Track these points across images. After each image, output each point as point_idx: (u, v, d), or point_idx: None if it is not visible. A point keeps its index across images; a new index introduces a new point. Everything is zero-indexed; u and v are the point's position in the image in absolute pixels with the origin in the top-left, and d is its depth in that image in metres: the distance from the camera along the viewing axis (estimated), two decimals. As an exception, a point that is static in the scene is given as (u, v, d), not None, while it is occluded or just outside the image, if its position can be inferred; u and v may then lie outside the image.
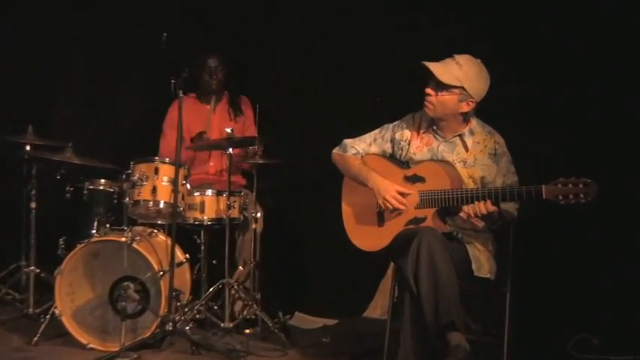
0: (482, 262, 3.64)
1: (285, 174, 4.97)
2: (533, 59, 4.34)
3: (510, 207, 3.62)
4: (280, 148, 4.73)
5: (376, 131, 3.90)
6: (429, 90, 3.61)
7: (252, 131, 4.90)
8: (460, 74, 3.54)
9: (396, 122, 3.88)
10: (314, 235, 5.04)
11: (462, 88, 3.56)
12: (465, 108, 3.62)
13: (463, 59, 3.58)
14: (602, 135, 4.14)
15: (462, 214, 3.57)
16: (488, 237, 3.73)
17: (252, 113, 4.90)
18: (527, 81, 4.33)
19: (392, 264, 3.92)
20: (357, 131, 3.94)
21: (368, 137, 3.90)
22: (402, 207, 3.62)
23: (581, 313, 4.12)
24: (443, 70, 3.56)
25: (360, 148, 3.88)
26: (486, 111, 3.73)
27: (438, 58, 3.65)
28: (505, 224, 3.62)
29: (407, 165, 3.78)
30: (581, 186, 3.24)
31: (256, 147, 4.63)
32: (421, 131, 3.80)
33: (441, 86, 3.57)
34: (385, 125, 3.90)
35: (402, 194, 3.64)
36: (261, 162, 4.60)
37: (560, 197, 3.25)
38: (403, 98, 4.13)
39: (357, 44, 4.85)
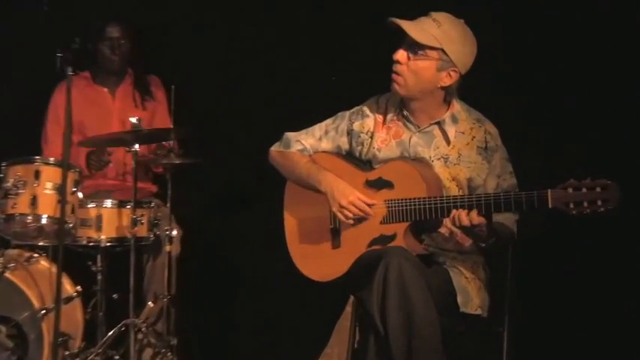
0: (470, 293, 3.65)
1: (210, 178, 5.00)
2: (531, 26, 4.43)
3: (508, 219, 3.64)
4: (203, 144, 4.72)
5: (328, 121, 3.90)
6: (398, 55, 3.60)
7: (165, 121, 4.90)
8: (439, 33, 3.56)
9: (354, 109, 3.87)
10: (248, 260, 5.06)
11: (442, 51, 3.56)
12: (447, 80, 3.61)
13: (442, 17, 3.60)
14: (623, 125, 4.19)
15: (442, 229, 3.58)
16: (478, 260, 3.73)
17: (166, 98, 4.90)
18: (524, 56, 4.38)
19: (351, 297, 3.94)
20: (304, 122, 3.94)
21: (317, 129, 3.90)
22: (363, 215, 3.62)
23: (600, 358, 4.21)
24: (417, 27, 3.57)
25: (307, 144, 3.89)
26: (471, 94, 3.73)
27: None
28: (500, 243, 3.59)
29: (369, 165, 3.77)
30: (598, 190, 3.24)
31: (171, 142, 4.62)
32: (388, 118, 3.79)
33: (415, 49, 3.58)
34: (340, 113, 3.89)
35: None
36: (177, 162, 4.55)
37: (572, 205, 3.26)
38: (366, 78, 4.15)
39: (306, 4, 4.90)
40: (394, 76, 3.62)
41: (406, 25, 3.56)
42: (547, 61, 4.38)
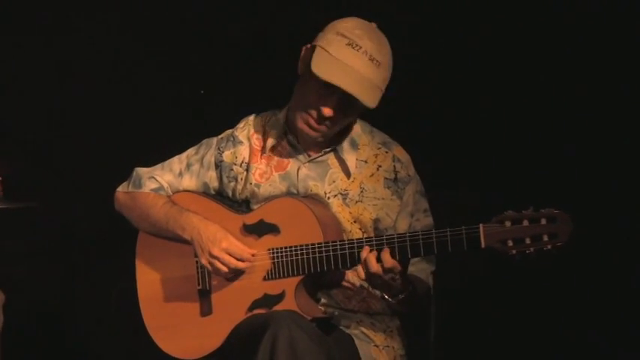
0: (381, 366, 3.45)
1: (43, 227, 4.90)
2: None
3: (422, 271, 3.58)
4: (32, 182, 4.70)
5: (190, 151, 3.78)
6: (328, 113, 3.50)
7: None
8: (380, 78, 3.47)
9: (223, 134, 3.75)
10: (94, 333, 4.96)
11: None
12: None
13: (377, 47, 3.48)
14: (577, 139, 4.25)
15: (344, 283, 3.49)
16: (393, 324, 3.61)
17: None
18: (439, 52, 4.46)
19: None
20: (162, 154, 3.82)
21: (177, 162, 3.77)
22: (241, 267, 3.52)
23: None
24: (365, 86, 3.46)
25: (163, 181, 3.74)
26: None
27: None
28: (415, 298, 3.50)
29: (246, 206, 3.65)
30: (543, 222, 3.17)
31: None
32: (268, 145, 3.68)
33: (353, 105, 3.49)
34: (205, 140, 3.77)
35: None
36: (-2, 207, 4.33)
37: (511, 243, 3.18)
38: (246, 91, 4.37)
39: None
40: (317, 126, 3.53)
41: (357, 91, 3.43)
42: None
